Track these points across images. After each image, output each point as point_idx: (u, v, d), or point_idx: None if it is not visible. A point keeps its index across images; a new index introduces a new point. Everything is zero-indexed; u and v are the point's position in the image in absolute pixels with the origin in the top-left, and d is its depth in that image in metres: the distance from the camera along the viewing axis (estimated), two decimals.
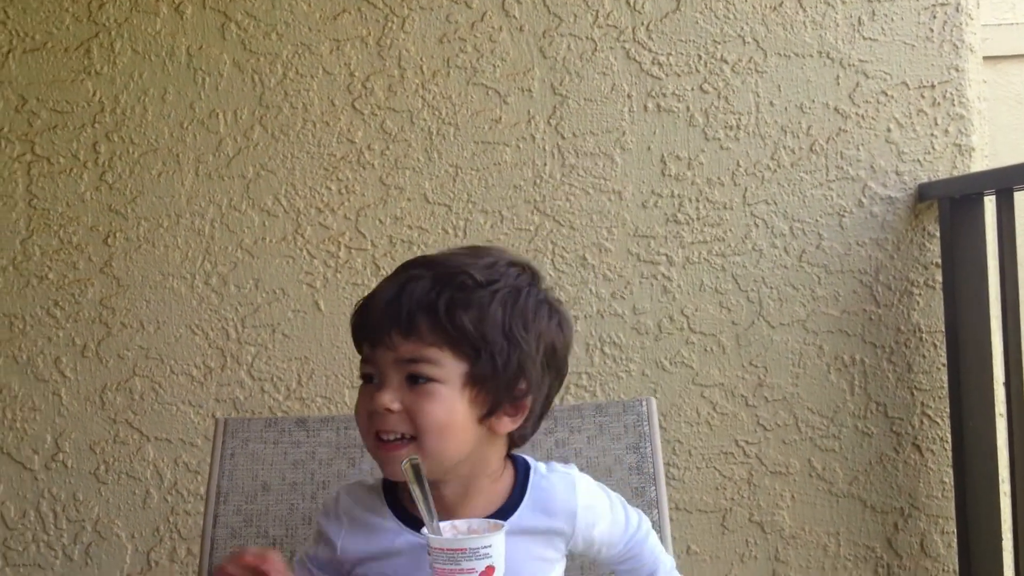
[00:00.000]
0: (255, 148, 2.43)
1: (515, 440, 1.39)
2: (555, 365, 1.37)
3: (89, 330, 2.43)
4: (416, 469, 1.28)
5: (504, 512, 1.35)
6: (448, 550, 1.22)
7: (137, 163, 2.43)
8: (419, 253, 2.32)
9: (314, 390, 2.43)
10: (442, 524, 1.29)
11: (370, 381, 1.33)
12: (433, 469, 1.29)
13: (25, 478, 2.44)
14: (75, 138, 2.43)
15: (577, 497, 1.38)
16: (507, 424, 1.34)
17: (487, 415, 1.32)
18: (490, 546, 1.23)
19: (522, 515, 1.36)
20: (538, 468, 1.40)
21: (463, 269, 1.31)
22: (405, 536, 1.35)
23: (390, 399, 1.29)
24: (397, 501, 1.38)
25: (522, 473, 1.39)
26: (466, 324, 1.28)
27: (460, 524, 1.30)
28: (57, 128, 2.43)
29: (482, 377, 1.30)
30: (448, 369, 1.29)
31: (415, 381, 1.29)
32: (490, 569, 1.22)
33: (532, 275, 1.37)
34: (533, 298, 1.34)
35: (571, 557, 1.54)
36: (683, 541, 2.38)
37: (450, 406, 1.29)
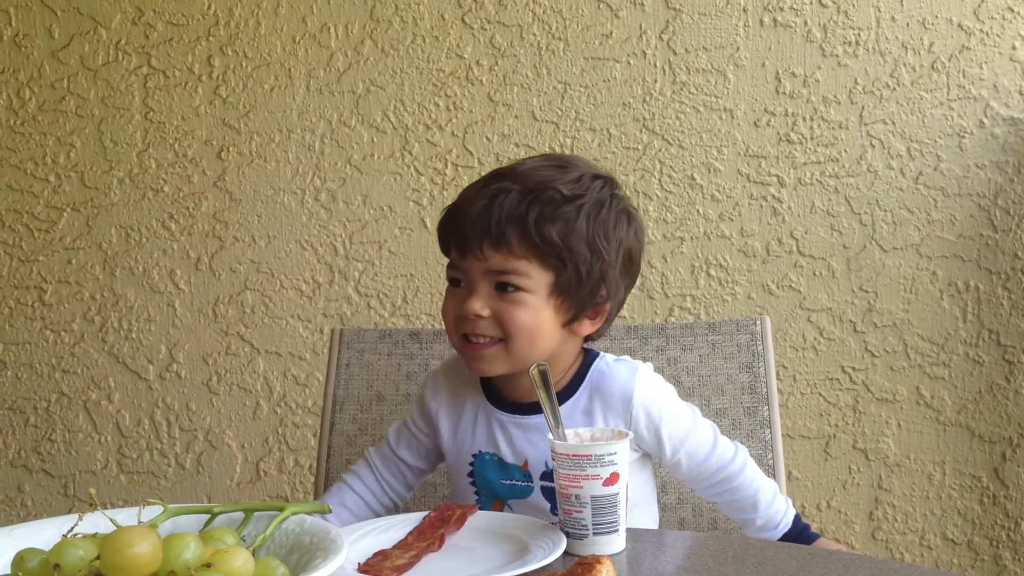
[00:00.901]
0: (365, 63, 2.43)
1: (591, 336, 1.46)
2: (631, 270, 1.44)
3: (203, 243, 2.48)
4: (544, 376, 1.32)
5: (563, 395, 1.42)
6: (573, 456, 1.23)
7: (250, 77, 2.45)
8: None
9: (419, 307, 2.45)
10: (567, 431, 1.30)
11: (457, 285, 1.39)
12: (516, 366, 1.38)
13: (140, 387, 2.52)
14: (190, 51, 2.46)
15: (635, 385, 1.42)
16: (587, 327, 1.42)
17: (570, 320, 1.39)
18: (615, 453, 1.24)
19: (579, 398, 1.43)
20: (605, 358, 1.47)
21: (551, 184, 1.36)
22: (486, 409, 1.46)
23: (480, 306, 1.35)
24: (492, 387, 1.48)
25: (589, 362, 1.46)
26: (554, 237, 1.33)
27: (583, 431, 1.31)
28: (173, 41, 2.46)
29: (567, 286, 1.36)
30: (536, 279, 1.35)
31: (504, 289, 1.35)
32: (614, 476, 1.23)
33: (613, 186, 1.43)
34: (614, 209, 1.40)
35: (664, 477, 1.55)
36: (786, 466, 2.34)
37: (537, 313, 1.35)
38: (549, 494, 1.40)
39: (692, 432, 1.45)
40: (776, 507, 1.49)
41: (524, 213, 1.33)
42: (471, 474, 1.48)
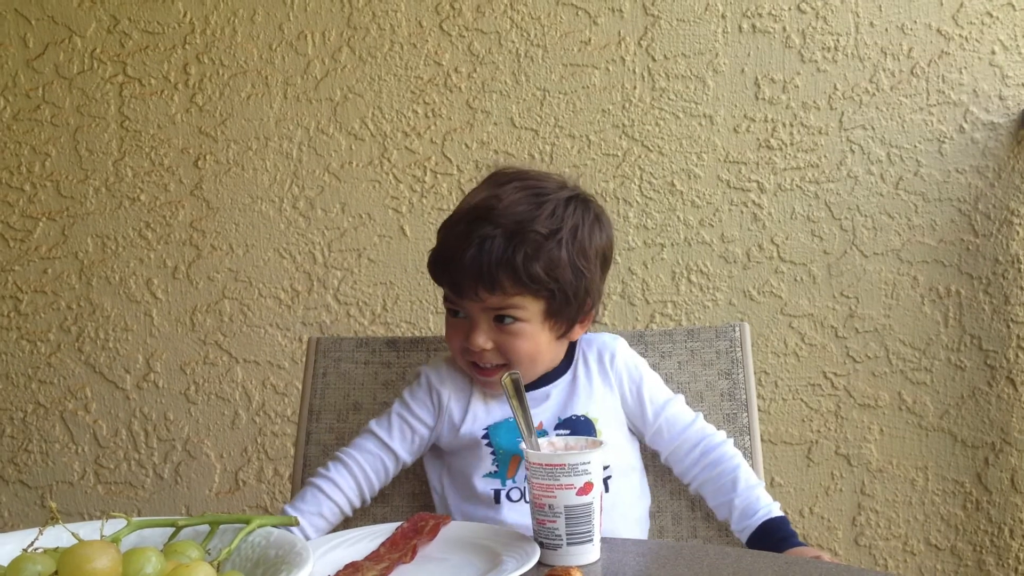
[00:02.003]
0: (343, 70, 2.42)
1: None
2: (607, 265, 1.59)
3: (180, 252, 2.47)
4: (516, 384, 1.32)
5: (558, 371, 1.57)
6: (547, 465, 1.22)
7: (227, 85, 2.43)
8: None
9: (399, 315, 2.44)
10: (540, 440, 1.29)
11: (456, 315, 1.52)
12: (524, 378, 1.47)
13: (117, 397, 2.50)
14: (166, 59, 2.44)
15: (618, 346, 1.60)
16: (579, 331, 1.57)
17: (564, 333, 1.54)
18: (589, 463, 1.22)
19: (571, 370, 1.58)
20: (587, 335, 1.63)
21: (530, 224, 1.47)
22: (481, 392, 1.56)
23: (483, 340, 1.48)
24: None
25: (575, 343, 1.61)
26: (540, 274, 1.46)
27: (557, 441, 1.30)
28: (148, 49, 2.44)
29: (558, 308, 1.50)
30: (530, 310, 1.48)
31: (502, 321, 1.48)
32: (588, 485, 1.22)
33: (580, 200, 1.54)
34: (587, 224, 1.52)
35: (650, 456, 1.56)
36: (768, 473, 2.36)
37: (535, 339, 1.50)
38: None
39: (672, 402, 1.58)
40: (757, 493, 1.51)
41: (511, 257, 1.45)
42: (488, 441, 1.54)
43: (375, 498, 1.62)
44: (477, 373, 1.53)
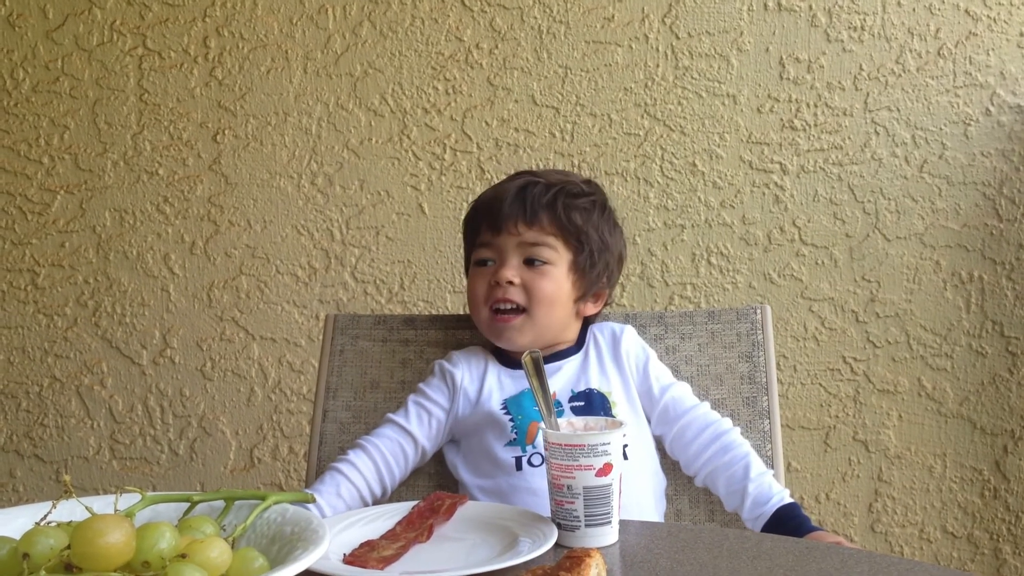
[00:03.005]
0: (363, 45, 2.40)
1: (590, 319, 1.70)
2: (621, 263, 1.70)
3: (198, 227, 2.46)
4: (536, 363, 1.31)
5: (569, 351, 1.63)
6: (567, 446, 1.21)
7: (246, 59, 2.42)
8: (525, 157, 2.32)
9: (416, 293, 2.42)
10: (559, 420, 1.28)
11: (485, 265, 1.60)
12: (539, 334, 1.58)
13: (133, 373, 2.50)
14: (186, 32, 2.42)
15: (624, 330, 1.66)
16: (591, 308, 1.65)
17: (580, 298, 1.62)
18: (609, 443, 1.21)
19: (581, 352, 1.64)
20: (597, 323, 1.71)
21: (570, 179, 1.63)
22: (507, 373, 1.62)
23: (512, 273, 1.56)
24: (501, 353, 1.65)
25: (586, 328, 1.69)
26: (577, 220, 1.58)
27: (577, 421, 1.29)
28: (168, 21, 2.43)
29: (582, 267, 1.59)
30: (560, 255, 1.58)
31: (532, 263, 1.57)
32: (608, 467, 1.21)
33: (606, 203, 1.68)
34: (612, 215, 1.67)
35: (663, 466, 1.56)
36: (784, 458, 2.34)
37: (559, 284, 1.57)
38: (578, 411, 1.56)
39: (676, 385, 1.62)
40: (769, 480, 1.51)
41: (552, 199, 1.57)
42: (506, 411, 1.57)
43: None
44: (496, 320, 1.57)
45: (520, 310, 1.56)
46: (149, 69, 2.44)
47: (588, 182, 1.65)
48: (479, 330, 1.65)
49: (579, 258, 1.59)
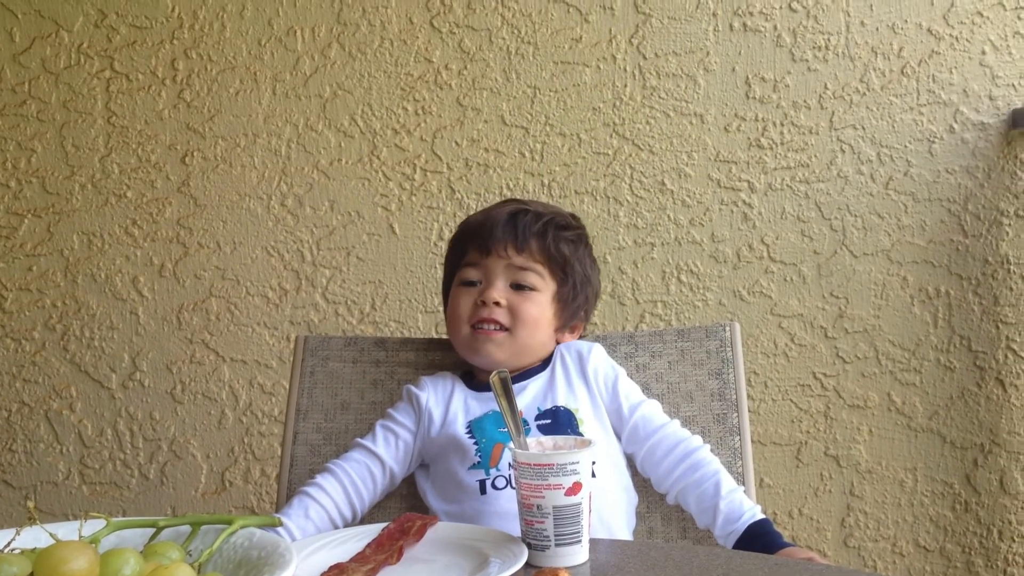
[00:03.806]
0: (332, 67, 2.40)
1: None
2: (596, 299, 1.74)
3: (166, 250, 2.45)
4: (504, 382, 1.31)
5: (537, 369, 1.64)
6: (535, 465, 1.21)
7: (215, 81, 2.42)
8: (495, 176, 2.33)
9: (388, 314, 2.42)
10: (528, 440, 1.28)
11: (470, 286, 1.62)
12: (517, 353, 1.60)
13: (103, 396, 2.48)
14: (154, 54, 2.42)
15: (593, 349, 1.66)
16: (567, 337, 1.69)
17: (559, 328, 1.66)
18: (578, 462, 1.21)
19: (555, 363, 1.65)
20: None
21: (558, 212, 1.68)
22: (473, 395, 1.63)
23: (499, 294, 1.59)
24: (470, 376, 1.67)
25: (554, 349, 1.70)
26: (565, 251, 1.63)
27: (546, 440, 1.29)
28: (136, 44, 2.42)
29: (564, 298, 1.64)
30: (545, 283, 1.62)
31: (518, 288, 1.60)
32: (577, 485, 1.21)
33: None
34: (591, 249, 1.72)
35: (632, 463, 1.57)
36: (756, 474, 2.34)
37: (542, 310, 1.61)
38: (545, 429, 1.56)
39: (646, 403, 1.63)
40: (740, 497, 1.51)
41: (543, 229, 1.62)
42: (470, 434, 1.57)
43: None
44: (478, 334, 1.59)
45: (503, 330, 1.59)
46: (117, 91, 2.43)
47: (574, 216, 1.70)
48: (455, 349, 1.66)
49: (563, 289, 1.63)
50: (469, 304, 1.61)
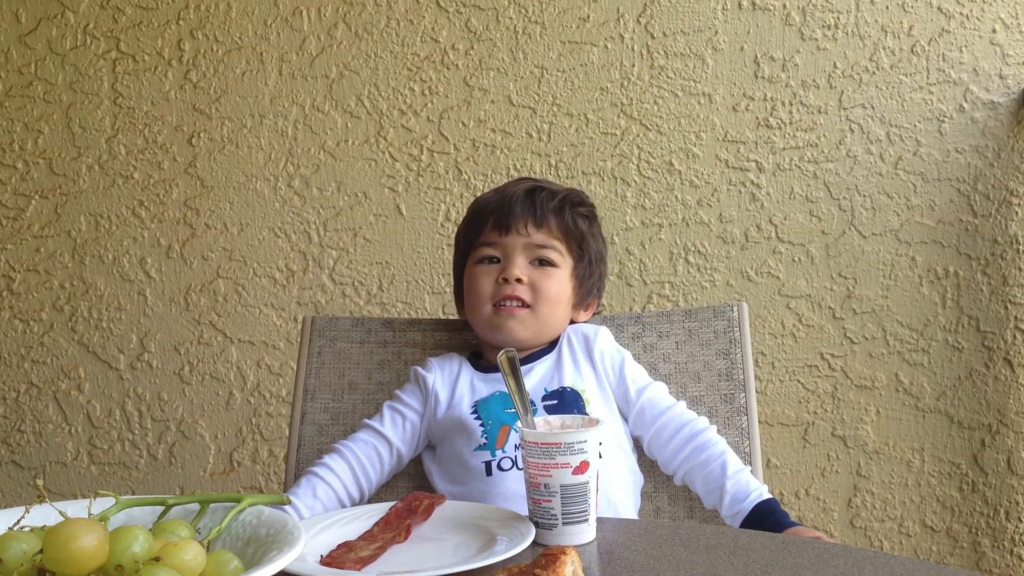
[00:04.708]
0: (338, 47, 2.39)
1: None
2: (605, 284, 1.76)
3: (174, 231, 2.45)
4: (512, 362, 1.31)
5: (545, 350, 1.65)
6: (543, 444, 1.21)
7: (221, 62, 2.41)
8: (502, 157, 2.33)
9: (395, 295, 2.42)
10: (536, 419, 1.28)
11: (488, 263, 1.62)
12: (539, 330, 1.61)
13: (111, 377, 2.48)
14: (160, 35, 2.41)
15: (599, 331, 1.67)
16: (582, 316, 1.70)
17: (576, 305, 1.67)
18: (585, 441, 1.21)
19: (561, 345, 1.66)
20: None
21: (573, 191, 1.69)
22: (479, 376, 1.63)
23: (521, 271, 1.59)
24: (477, 357, 1.68)
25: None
26: (582, 228, 1.65)
27: (553, 419, 1.29)
28: (142, 25, 2.42)
29: (581, 274, 1.65)
30: (564, 259, 1.63)
31: (538, 264, 1.61)
32: (584, 464, 1.21)
33: None
34: (601, 227, 1.73)
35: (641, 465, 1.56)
36: (763, 454, 2.35)
37: (562, 285, 1.62)
38: (551, 410, 1.56)
39: (653, 385, 1.63)
40: (746, 477, 1.52)
41: (560, 205, 1.63)
42: (476, 415, 1.58)
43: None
44: (501, 311, 1.59)
45: (525, 307, 1.59)
46: (123, 73, 2.43)
47: (584, 194, 1.71)
48: (474, 328, 1.67)
49: (580, 265, 1.64)
50: (490, 282, 1.60)
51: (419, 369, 1.66)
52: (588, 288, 1.67)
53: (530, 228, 1.60)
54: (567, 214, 1.63)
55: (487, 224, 1.64)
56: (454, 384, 1.63)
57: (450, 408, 1.60)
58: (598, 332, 1.67)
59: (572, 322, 1.68)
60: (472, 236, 1.67)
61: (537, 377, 1.61)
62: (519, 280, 1.58)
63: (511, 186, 1.68)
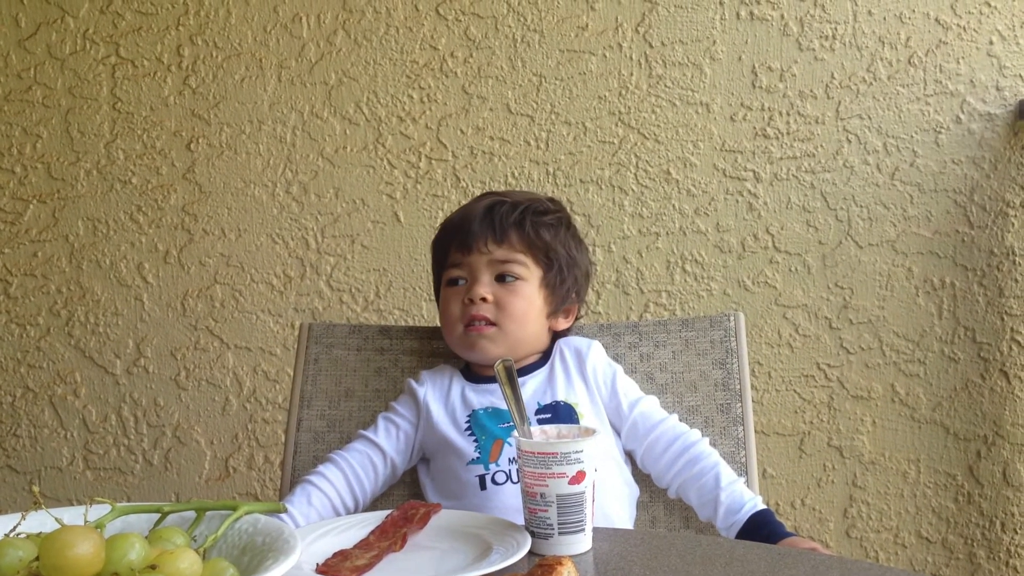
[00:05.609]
0: (337, 54, 2.40)
1: (561, 333, 1.71)
2: (588, 280, 1.73)
3: (171, 236, 2.45)
4: (509, 371, 1.31)
5: (536, 365, 1.64)
6: (539, 454, 1.21)
7: (220, 67, 2.41)
8: (500, 165, 2.33)
9: (392, 302, 2.42)
10: (532, 428, 1.28)
11: (456, 284, 1.61)
12: (511, 347, 1.58)
13: (107, 382, 2.48)
14: (159, 40, 2.42)
15: (592, 346, 1.66)
16: (562, 323, 1.68)
17: (551, 314, 1.64)
18: (582, 451, 1.21)
19: (548, 366, 1.65)
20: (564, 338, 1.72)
21: (536, 198, 1.67)
22: (471, 388, 1.63)
23: (485, 290, 1.58)
24: (469, 369, 1.67)
25: (554, 342, 1.70)
26: (545, 237, 1.61)
27: (550, 429, 1.29)
28: (141, 30, 2.42)
29: (552, 282, 1.62)
30: (530, 271, 1.60)
31: (503, 280, 1.59)
32: (581, 474, 1.21)
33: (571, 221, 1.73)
34: (575, 229, 1.70)
35: (636, 475, 1.56)
36: (760, 464, 2.36)
37: (530, 300, 1.60)
38: (545, 423, 1.54)
39: (644, 399, 1.63)
40: (740, 488, 1.52)
41: (520, 218, 1.60)
42: (469, 430, 1.58)
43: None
44: (471, 331, 1.58)
45: (491, 325, 1.58)
46: (122, 78, 2.43)
47: (552, 200, 1.68)
48: (452, 350, 1.66)
49: (549, 274, 1.62)
50: (458, 304, 1.60)
51: (411, 382, 1.66)
52: (562, 295, 1.64)
53: (491, 245, 1.59)
54: (528, 225, 1.61)
55: (452, 245, 1.63)
56: (446, 396, 1.63)
57: (442, 421, 1.60)
58: (591, 346, 1.66)
59: (554, 330, 1.67)
60: (441, 258, 1.67)
61: (530, 391, 1.60)
62: (484, 299, 1.57)
63: (473, 204, 1.67)
